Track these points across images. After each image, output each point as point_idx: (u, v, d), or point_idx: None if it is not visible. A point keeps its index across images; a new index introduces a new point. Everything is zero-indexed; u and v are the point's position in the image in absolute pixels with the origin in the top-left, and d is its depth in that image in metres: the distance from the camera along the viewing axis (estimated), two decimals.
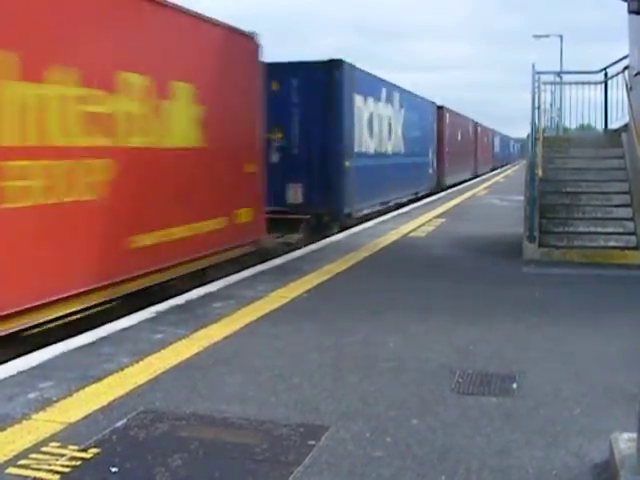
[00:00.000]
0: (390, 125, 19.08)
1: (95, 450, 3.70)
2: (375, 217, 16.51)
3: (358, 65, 15.53)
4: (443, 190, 27.02)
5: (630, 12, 10.49)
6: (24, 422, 4.07)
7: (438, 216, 16.74)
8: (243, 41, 10.31)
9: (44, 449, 3.71)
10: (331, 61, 14.11)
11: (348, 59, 14.51)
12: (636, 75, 11.37)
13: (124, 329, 6.19)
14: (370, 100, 16.68)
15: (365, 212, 16.42)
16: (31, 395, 4.50)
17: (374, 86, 17.38)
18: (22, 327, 6.21)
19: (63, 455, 3.63)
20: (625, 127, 12.11)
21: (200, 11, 9.05)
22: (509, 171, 50.35)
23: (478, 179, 38.03)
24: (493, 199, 22.59)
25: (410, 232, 13.51)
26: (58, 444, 3.77)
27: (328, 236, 13.20)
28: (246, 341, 5.85)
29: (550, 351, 5.63)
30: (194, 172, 8.87)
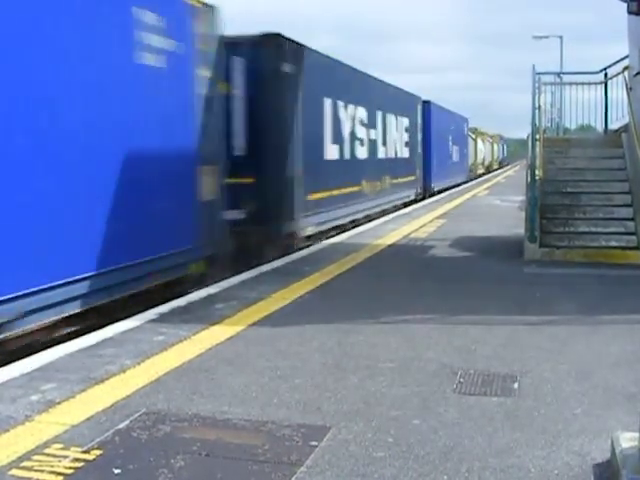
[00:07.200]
0: None
1: (98, 452, 3.71)
2: None
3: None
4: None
5: (629, 13, 10.51)
6: (27, 424, 4.08)
7: (439, 217, 16.75)
8: None
9: (47, 451, 3.71)
10: None
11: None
12: (636, 75, 11.37)
13: (126, 331, 6.19)
14: None
15: None
16: (34, 397, 4.50)
17: None
18: None
19: (66, 457, 3.64)
20: (625, 127, 12.11)
21: None
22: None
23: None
24: (494, 199, 22.60)
25: (411, 233, 13.51)
26: (61, 446, 3.78)
27: None
28: (248, 342, 5.86)
29: (551, 351, 5.64)
30: None
